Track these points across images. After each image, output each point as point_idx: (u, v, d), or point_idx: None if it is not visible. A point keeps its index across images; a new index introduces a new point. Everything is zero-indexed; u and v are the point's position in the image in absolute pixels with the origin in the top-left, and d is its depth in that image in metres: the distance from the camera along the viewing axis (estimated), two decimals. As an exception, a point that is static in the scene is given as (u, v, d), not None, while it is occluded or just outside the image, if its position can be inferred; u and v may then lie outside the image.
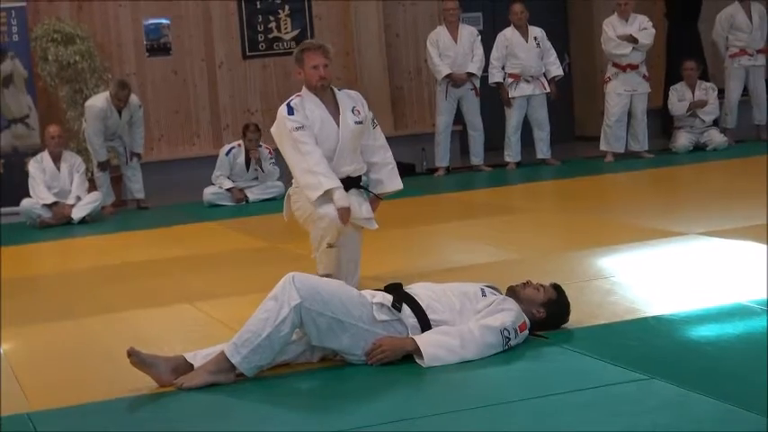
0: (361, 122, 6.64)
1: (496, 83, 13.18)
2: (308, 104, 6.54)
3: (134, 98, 12.21)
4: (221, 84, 13.89)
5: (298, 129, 6.44)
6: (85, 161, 12.09)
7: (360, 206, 6.61)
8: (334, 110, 6.59)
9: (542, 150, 13.27)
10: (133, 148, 12.37)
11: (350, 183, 6.61)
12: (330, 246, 6.49)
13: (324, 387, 4.70)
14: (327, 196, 6.41)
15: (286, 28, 14.06)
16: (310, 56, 6.55)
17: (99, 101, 11.97)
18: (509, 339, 4.86)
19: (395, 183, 6.90)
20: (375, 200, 6.85)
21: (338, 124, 6.54)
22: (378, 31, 14.14)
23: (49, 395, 4.87)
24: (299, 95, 6.62)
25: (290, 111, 6.51)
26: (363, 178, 6.83)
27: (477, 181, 12.42)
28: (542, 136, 13.23)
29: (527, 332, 4.99)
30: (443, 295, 5.06)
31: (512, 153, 13.25)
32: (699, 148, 13.26)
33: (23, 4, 12.76)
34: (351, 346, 4.85)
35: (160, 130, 13.67)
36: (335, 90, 6.71)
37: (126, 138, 12.29)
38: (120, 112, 12.00)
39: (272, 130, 6.76)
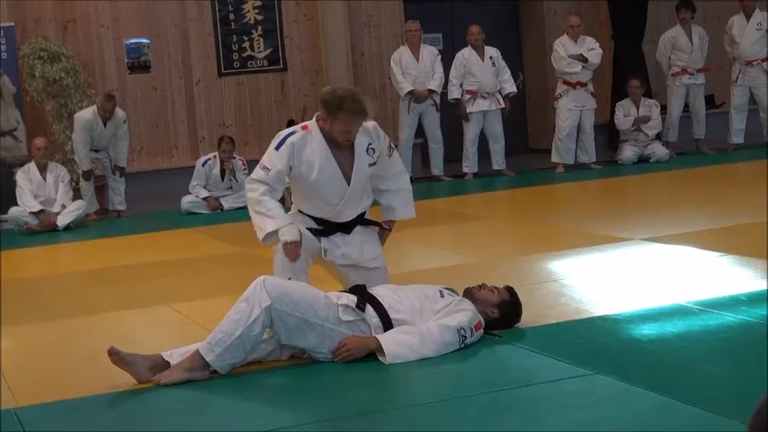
0: (374, 163, 5.55)
1: (455, 99, 13.21)
2: (311, 144, 5.42)
3: (120, 112, 12.15)
4: (198, 99, 13.84)
5: (265, 169, 5.43)
6: (70, 171, 12.04)
7: (361, 247, 5.66)
8: (349, 153, 5.47)
9: (498, 162, 13.31)
10: (117, 161, 12.32)
11: (353, 221, 5.65)
12: None
13: (293, 383, 4.70)
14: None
15: (259, 47, 14.02)
16: (348, 120, 5.31)
17: (87, 113, 11.96)
18: (465, 338, 4.87)
19: (407, 210, 5.84)
20: (383, 231, 5.81)
21: (351, 173, 5.46)
22: (345, 51, 14.12)
23: (34, 392, 4.84)
24: (305, 128, 5.46)
25: (280, 145, 5.41)
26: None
27: (438, 190, 12.42)
28: (498, 148, 13.27)
29: (482, 331, 5.01)
30: (404, 296, 5.07)
31: (469, 164, 13.28)
32: (643, 160, 13.32)
33: (12, 24, 12.69)
34: (318, 344, 4.85)
35: (140, 143, 13.60)
36: None
37: (111, 151, 12.26)
38: (105, 124, 11.95)
39: None
